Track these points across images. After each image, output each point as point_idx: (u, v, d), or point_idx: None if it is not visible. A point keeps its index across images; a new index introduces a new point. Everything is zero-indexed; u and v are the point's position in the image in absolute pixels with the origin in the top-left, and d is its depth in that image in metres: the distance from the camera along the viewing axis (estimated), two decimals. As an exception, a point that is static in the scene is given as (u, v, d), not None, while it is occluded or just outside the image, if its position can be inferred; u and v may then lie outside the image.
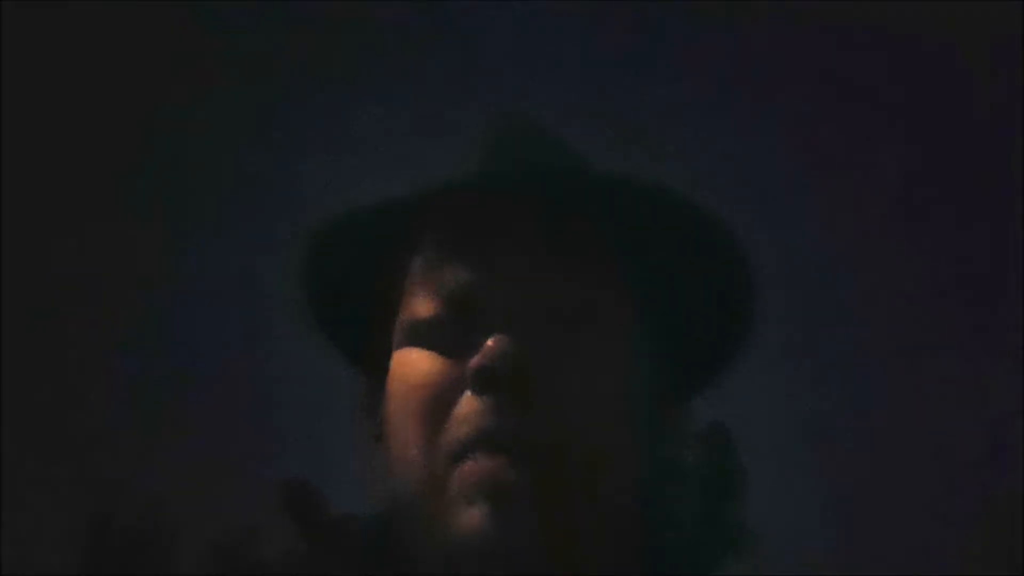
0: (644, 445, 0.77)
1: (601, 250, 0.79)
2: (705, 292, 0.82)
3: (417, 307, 0.79)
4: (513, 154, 0.83)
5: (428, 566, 0.75)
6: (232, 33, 5.17)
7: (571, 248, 0.78)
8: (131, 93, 5.29)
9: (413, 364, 0.79)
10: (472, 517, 0.73)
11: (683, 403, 0.83)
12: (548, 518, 0.73)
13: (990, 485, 4.48)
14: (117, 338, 5.52)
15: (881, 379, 5.00)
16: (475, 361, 0.76)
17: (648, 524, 0.76)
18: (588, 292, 0.79)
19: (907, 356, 5.01)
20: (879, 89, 5.15)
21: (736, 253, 0.81)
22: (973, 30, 4.67)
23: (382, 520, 0.80)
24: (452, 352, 0.78)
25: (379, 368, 0.82)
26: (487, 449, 0.74)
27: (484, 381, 0.75)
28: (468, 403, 0.76)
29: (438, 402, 0.77)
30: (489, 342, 0.76)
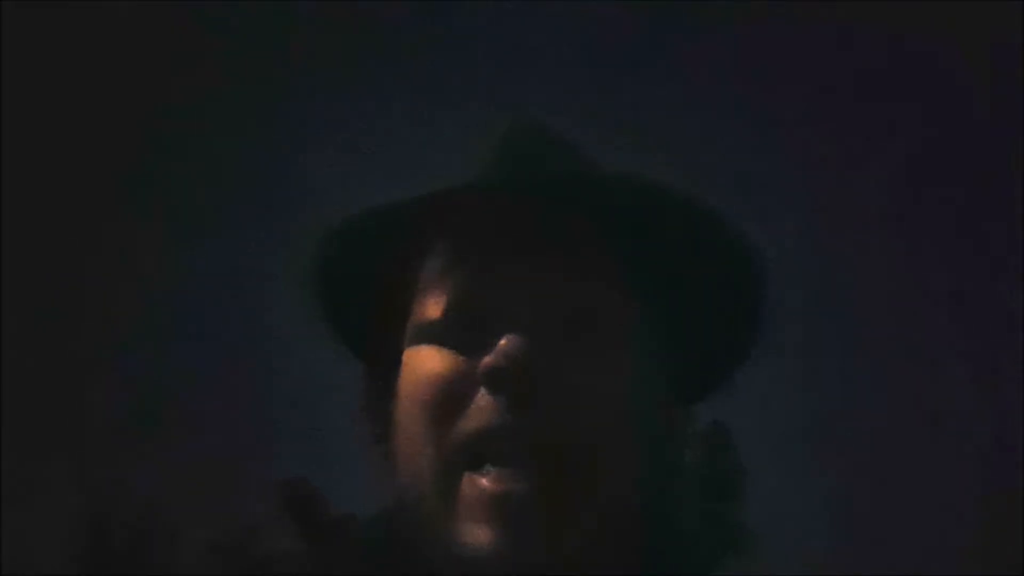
0: (649, 446, 0.77)
1: (610, 253, 0.78)
2: (714, 296, 0.82)
3: (429, 308, 0.80)
4: (522, 158, 0.83)
5: (433, 567, 0.75)
6: (232, 33, 5.17)
7: (580, 251, 0.78)
8: (131, 94, 5.28)
9: (425, 362, 0.79)
10: (479, 535, 0.73)
11: (690, 405, 0.83)
12: (555, 526, 0.73)
13: (990, 485, 4.48)
14: (117, 338, 5.52)
15: (881, 379, 4.99)
16: (487, 360, 0.76)
17: (648, 524, 0.76)
18: (597, 294, 0.78)
19: (907, 356, 5.00)
20: (880, 90, 5.14)
21: (746, 258, 0.80)
22: (973, 30, 4.66)
23: (384, 519, 0.80)
24: (464, 351, 0.78)
25: (386, 368, 0.82)
26: (497, 454, 0.74)
27: (496, 379, 0.75)
28: (479, 401, 0.76)
29: (450, 399, 0.77)
30: (501, 342, 0.76)
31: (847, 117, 5.11)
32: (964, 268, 4.94)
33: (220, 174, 5.59)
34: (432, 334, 0.78)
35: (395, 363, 0.80)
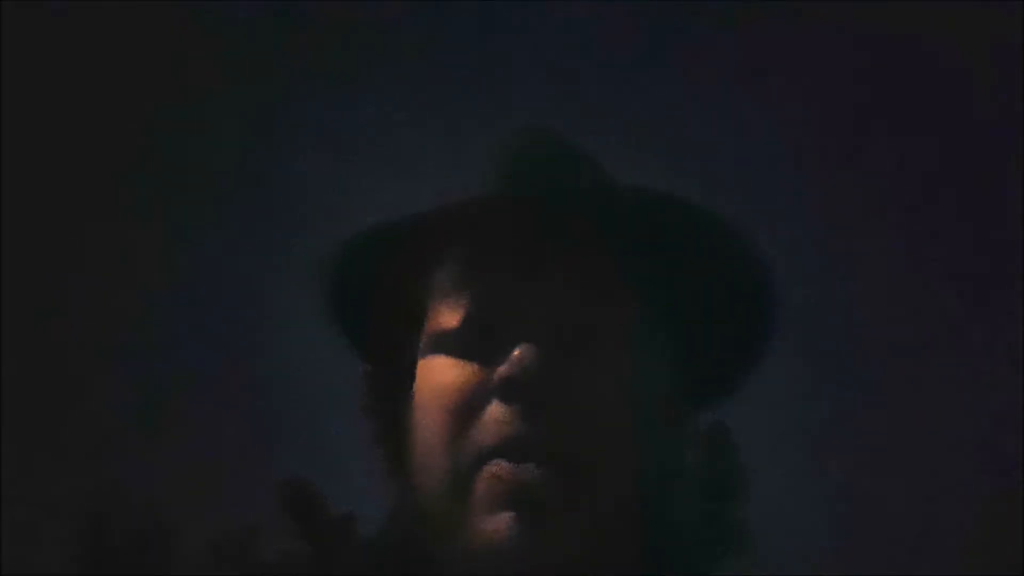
0: (662, 454, 0.77)
1: (621, 263, 0.79)
2: (723, 306, 0.82)
3: (445, 318, 0.80)
4: (534, 168, 0.84)
5: (446, 567, 0.75)
6: (232, 33, 5.17)
7: (592, 261, 0.79)
8: (131, 94, 5.28)
9: (441, 371, 0.80)
10: (497, 523, 0.74)
11: (700, 411, 0.84)
12: (568, 525, 0.73)
13: (990, 485, 4.48)
14: (117, 338, 5.52)
15: (881, 380, 5.00)
16: (502, 370, 0.77)
17: (649, 524, 0.76)
18: (609, 304, 0.79)
19: (907, 357, 5.00)
20: (881, 91, 5.15)
21: (756, 269, 0.81)
22: (973, 30, 4.66)
23: (391, 521, 0.80)
24: (479, 361, 0.79)
25: (395, 372, 0.83)
26: (511, 456, 0.75)
27: (510, 389, 0.76)
28: (494, 410, 0.77)
29: (465, 408, 0.78)
30: (516, 352, 0.77)
31: (848, 118, 5.12)
32: (964, 268, 4.94)
33: (220, 174, 5.60)
34: (447, 344, 0.79)
35: (405, 368, 0.80)
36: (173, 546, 4.72)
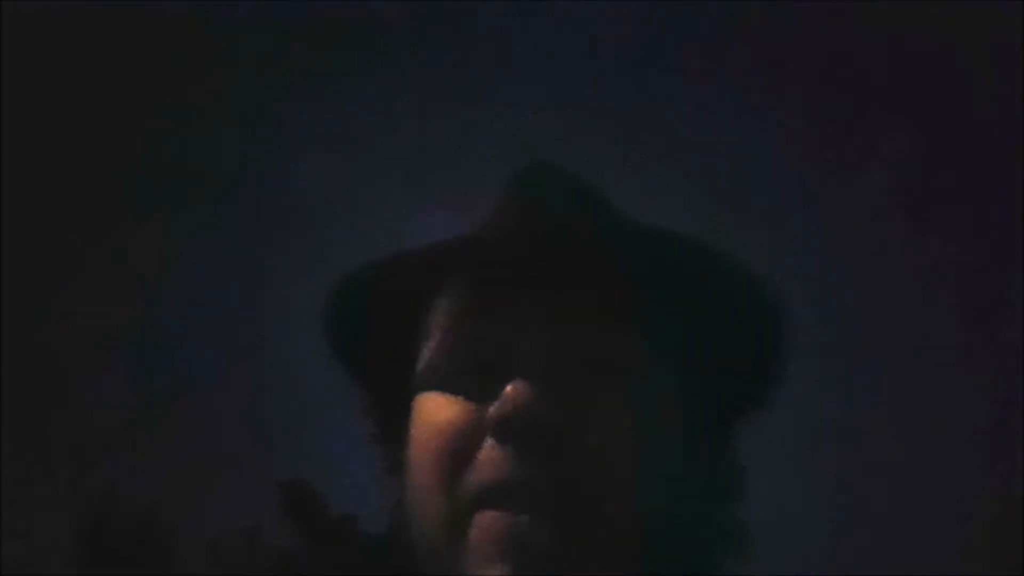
0: (661, 490, 0.77)
1: (622, 299, 0.78)
2: (729, 343, 0.82)
3: (439, 354, 0.80)
4: (538, 205, 0.83)
5: (445, 568, 0.75)
6: (232, 33, 5.17)
7: (592, 297, 0.78)
8: (131, 94, 5.28)
9: (434, 410, 0.79)
10: (491, 570, 0.73)
11: (704, 443, 0.83)
12: (564, 564, 0.73)
13: (990, 485, 4.48)
14: (117, 338, 5.52)
15: (881, 380, 4.99)
16: (495, 409, 0.76)
17: (649, 525, 0.76)
18: (607, 340, 0.78)
19: (907, 357, 5.00)
20: (881, 91, 5.15)
21: (765, 308, 0.80)
22: (973, 30, 4.66)
23: (394, 521, 0.80)
24: (474, 399, 0.78)
25: (396, 407, 0.82)
26: (506, 500, 0.74)
27: (504, 429, 0.75)
28: (488, 450, 0.76)
29: (459, 448, 0.77)
30: (508, 390, 0.76)
31: (848, 118, 5.11)
32: (964, 268, 4.94)
33: (221, 174, 5.60)
34: (441, 381, 0.78)
35: (405, 404, 0.80)
36: (173, 546, 4.72)
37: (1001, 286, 4.70)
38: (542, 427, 0.73)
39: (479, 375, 0.76)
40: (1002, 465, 4.36)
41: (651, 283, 0.76)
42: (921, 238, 5.20)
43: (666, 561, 0.79)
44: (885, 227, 5.25)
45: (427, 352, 0.79)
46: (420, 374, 0.79)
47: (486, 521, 0.72)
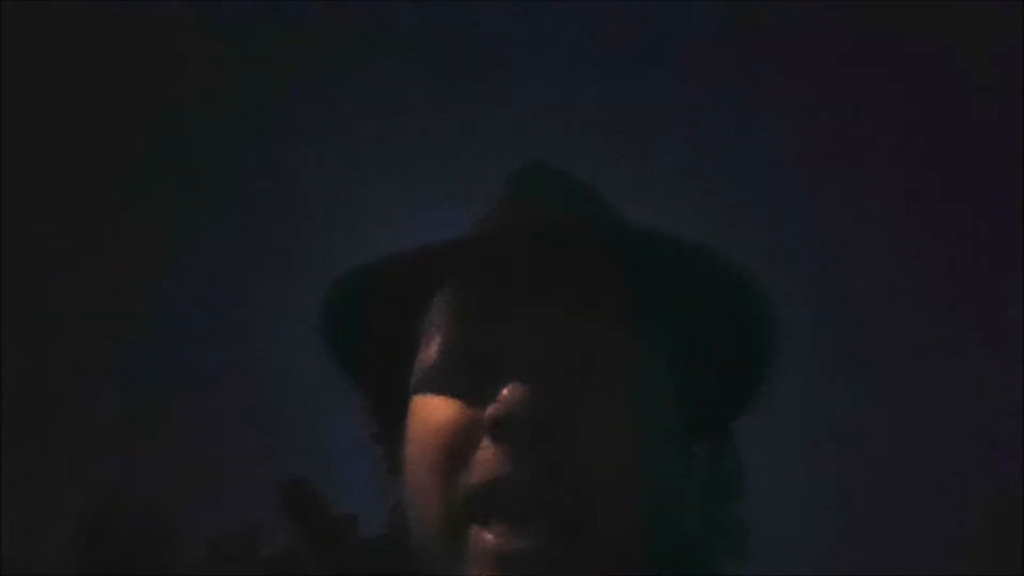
0: (657, 491, 0.77)
1: (618, 301, 0.78)
2: (723, 342, 0.82)
3: (435, 355, 0.80)
4: (532, 206, 0.84)
5: (445, 568, 0.75)
6: (232, 33, 5.17)
7: (588, 299, 0.78)
8: (131, 94, 5.29)
9: (431, 411, 0.79)
10: (488, 573, 0.73)
11: (700, 440, 0.83)
12: (560, 570, 0.73)
13: (990, 485, 4.48)
14: (117, 338, 5.52)
15: (881, 380, 4.99)
16: (492, 409, 0.76)
17: (646, 526, 0.76)
18: (603, 340, 0.78)
19: (907, 356, 5.00)
20: (880, 91, 5.15)
21: (757, 307, 0.81)
22: (973, 30, 4.66)
23: (393, 521, 0.80)
24: (471, 399, 0.78)
25: (394, 408, 0.83)
26: (502, 508, 0.74)
27: (500, 430, 0.75)
28: (485, 451, 0.76)
29: (456, 448, 0.77)
30: (505, 391, 0.76)
31: (848, 119, 5.11)
32: (964, 268, 4.94)
33: (221, 174, 5.60)
34: (438, 382, 0.78)
35: (402, 405, 0.80)
36: (173, 546, 4.71)
37: (1001, 286, 4.70)
38: (539, 428, 0.73)
39: (476, 376, 0.76)
40: (1002, 465, 4.36)
41: (646, 283, 0.77)
42: (921, 238, 5.20)
43: (665, 562, 0.79)
44: (885, 227, 5.24)
45: (424, 353, 0.79)
46: (417, 375, 0.79)
47: (482, 537, 0.72)
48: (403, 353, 0.82)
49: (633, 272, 0.78)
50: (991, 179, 4.91)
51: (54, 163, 5.47)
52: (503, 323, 0.77)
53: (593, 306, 0.78)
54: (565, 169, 0.84)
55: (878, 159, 5.26)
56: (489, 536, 0.73)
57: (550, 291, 0.78)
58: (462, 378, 0.78)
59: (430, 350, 0.79)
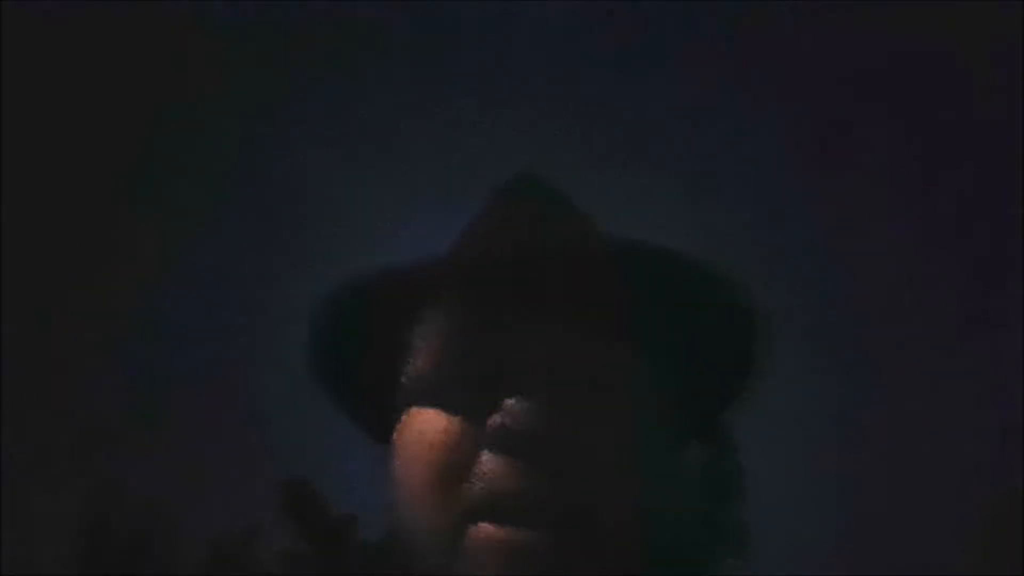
0: (658, 499, 0.77)
1: (619, 313, 0.78)
2: (718, 353, 0.82)
3: (430, 367, 0.79)
4: (531, 220, 0.83)
5: (444, 568, 0.75)
6: (232, 33, 5.17)
7: (589, 310, 0.78)
8: (131, 94, 5.28)
9: (426, 423, 0.78)
10: None
11: (693, 440, 0.84)
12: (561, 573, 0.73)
13: (990, 485, 4.48)
14: (117, 338, 5.52)
15: (882, 380, 4.99)
16: (494, 420, 0.76)
17: (647, 537, 0.76)
18: (606, 354, 0.78)
19: (908, 357, 5.00)
20: (881, 91, 5.14)
21: (751, 319, 0.81)
22: (973, 30, 4.66)
23: (393, 521, 0.80)
24: (467, 412, 0.78)
25: (385, 427, 0.82)
26: (504, 512, 0.74)
27: (504, 441, 0.75)
28: (486, 463, 0.76)
29: (452, 461, 0.76)
30: (508, 402, 0.75)
31: (849, 118, 5.11)
32: (964, 268, 4.94)
33: (221, 174, 5.59)
34: (432, 394, 0.77)
35: (390, 418, 0.80)
36: (173, 546, 4.72)
37: (1001, 286, 4.70)
38: (543, 438, 0.72)
39: (472, 389, 0.75)
40: (1002, 465, 4.36)
41: (643, 295, 0.77)
42: (921, 238, 5.19)
43: (665, 562, 0.79)
44: (885, 227, 5.24)
45: (414, 367, 0.78)
46: (407, 388, 0.79)
47: (483, 533, 0.72)
48: (389, 368, 0.81)
49: (630, 283, 0.78)
50: (991, 179, 4.91)
51: (54, 163, 5.47)
52: (503, 335, 0.77)
53: (593, 318, 0.78)
54: (555, 178, 0.85)
55: (878, 159, 5.26)
56: (490, 529, 0.73)
57: (548, 304, 0.78)
58: (458, 391, 0.78)
59: (423, 364, 0.78)
